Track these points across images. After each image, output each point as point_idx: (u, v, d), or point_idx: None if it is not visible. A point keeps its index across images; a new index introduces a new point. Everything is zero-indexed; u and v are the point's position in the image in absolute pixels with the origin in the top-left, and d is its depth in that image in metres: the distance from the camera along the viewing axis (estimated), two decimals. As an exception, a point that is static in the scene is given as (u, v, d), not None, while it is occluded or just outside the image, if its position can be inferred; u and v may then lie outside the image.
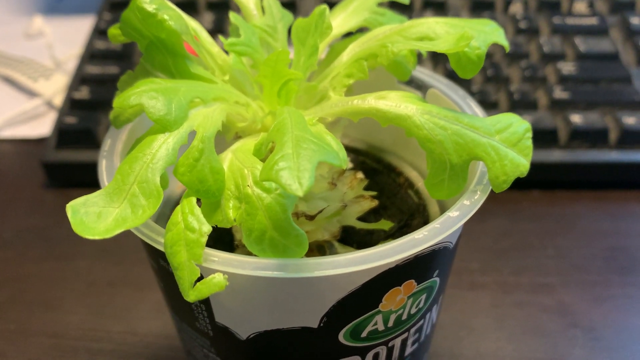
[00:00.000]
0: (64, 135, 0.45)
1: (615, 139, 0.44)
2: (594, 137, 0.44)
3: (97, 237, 0.17)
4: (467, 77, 0.21)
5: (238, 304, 0.21)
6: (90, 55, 0.51)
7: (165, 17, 0.20)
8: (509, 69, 0.48)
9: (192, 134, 0.20)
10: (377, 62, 0.22)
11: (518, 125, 0.21)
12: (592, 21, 0.52)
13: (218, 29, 0.52)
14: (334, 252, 0.26)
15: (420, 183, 0.29)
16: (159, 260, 0.22)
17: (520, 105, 0.46)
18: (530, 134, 0.21)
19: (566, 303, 0.38)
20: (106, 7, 0.56)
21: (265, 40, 0.24)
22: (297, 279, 0.19)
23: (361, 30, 0.25)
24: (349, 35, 0.26)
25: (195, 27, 0.23)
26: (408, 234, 0.20)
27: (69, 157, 0.45)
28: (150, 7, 0.20)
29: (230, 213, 0.19)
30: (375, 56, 0.22)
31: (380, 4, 0.25)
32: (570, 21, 0.52)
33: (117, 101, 0.19)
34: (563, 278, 0.39)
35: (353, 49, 0.23)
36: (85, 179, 0.45)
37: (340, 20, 0.25)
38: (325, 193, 0.25)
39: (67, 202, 0.45)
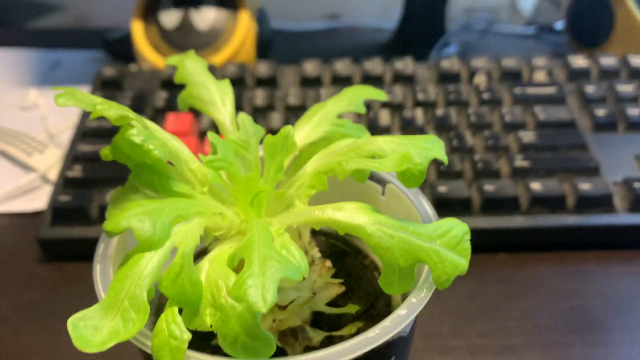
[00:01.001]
0: (58, 212, 0.48)
1: (572, 204, 0.48)
2: (553, 203, 0.48)
3: (94, 351, 0.20)
4: (411, 187, 0.25)
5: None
6: (83, 133, 0.54)
7: (151, 147, 0.23)
8: (473, 139, 0.52)
9: (174, 251, 0.23)
10: (334, 174, 0.26)
11: (457, 230, 0.24)
12: (551, 90, 0.57)
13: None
14: (305, 335, 0.29)
15: (384, 266, 0.33)
16: (148, 356, 0.25)
17: (483, 174, 0.49)
18: (468, 237, 0.25)
19: (529, 364, 0.40)
20: (98, 86, 0.59)
21: (239, 153, 0.27)
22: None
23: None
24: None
25: (178, 147, 0.26)
26: (361, 334, 0.23)
27: (63, 234, 0.48)
28: (137, 139, 0.23)
29: (207, 319, 0.22)
30: (333, 171, 0.25)
31: (339, 116, 0.29)
32: (531, 91, 0.56)
33: (110, 225, 0.22)
34: (527, 339, 0.42)
35: (316, 160, 0.27)
36: (78, 253, 0.48)
37: (305, 132, 0.28)
38: (296, 284, 0.28)
39: (62, 276, 0.47)
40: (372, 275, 0.33)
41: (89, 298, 0.45)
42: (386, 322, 0.23)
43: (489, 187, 0.48)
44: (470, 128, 0.53)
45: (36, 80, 0.73)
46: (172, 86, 0.59)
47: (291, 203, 0.27)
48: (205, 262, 0.23)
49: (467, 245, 0.24)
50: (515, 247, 0.49)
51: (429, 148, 0.25)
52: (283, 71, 0.60)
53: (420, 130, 0.53)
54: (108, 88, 0.59)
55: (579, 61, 0.59)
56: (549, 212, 0.48)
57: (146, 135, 0.24)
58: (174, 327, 0.21)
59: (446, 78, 0.58)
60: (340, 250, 0.34)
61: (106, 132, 0.54)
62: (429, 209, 0.28)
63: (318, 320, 0.30)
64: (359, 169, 0.25)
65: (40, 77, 0.74)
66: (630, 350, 0.41)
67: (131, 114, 0.24)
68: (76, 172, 0.50)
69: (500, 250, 0.49)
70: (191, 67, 0.29)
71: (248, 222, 0.24)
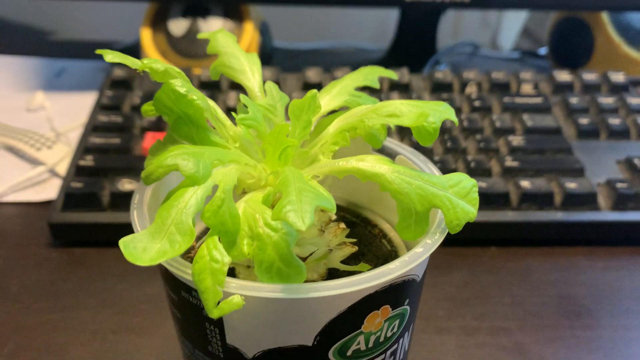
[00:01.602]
0: (69, 198, 0.50)
1: (559, 201, 0.51)
2: (542, 200, 0.51)
3: (144, 264, 0.22)
4: (426, 145, 0.27)
5: (248, 326, 0.25)
6: (94, 127, 0.57)
7: (194, 97, 0.26)
8: (466, 141, 0.55)
9: (215, 188, 0.25)
10: (356, 133, 0.28)
11: (466, 182, 0.27)
12: (537, 100, 0.60)
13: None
14: (321, 290, 0.31)
15: (392, 233, 0.35)
16: (180, 292, 0.27)
17: (476, 172, 0.52)
18: (476, 189, 0.27)
19: (522, 343, 0.43)
20: (107, 85, 0.62)
21: (267, 116, 0.30)
22: (297, 300, 0.24)
23: (342, 109, 0.32)
24: (332, 113, 0.32)
25: (213, 106, 0.29)
26: (382, 266, 0.25)
27: (74, 219, 0.49)
28: (182, 90, 0.26)
29: (245, 248, 0.24)
30: (355, 128, 0.28)
31: (357, 88, 0.32)
32: (519, 100, 0.60)
33: (157, 161, 0.25)
34: (519, 322, 0.45)
35: (337, 123, 0.29)
36: (88, 239, 0.50)
37: (326, 101, 0.31)
38: (315, 239, 0.30)
39: (71, 260, 0.49)
40: (380, 242, 0.35)
41: (99, 280, 0.47)
42: (405, 257, 0.25)
43: (481, 184, 0.51)
44: (463, 132, 0.57)
45: (41, 86, 0.75)
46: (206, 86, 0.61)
47: (315, 159, 0.29)
48: (241, 202, 0.26)
49: (476, 196, 0.27)
50: (506, 242, 0.52)
51: (441, 111, 0.28)
52: (285, 77, 0.63)
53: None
54: (118, 88, 0.62)
55: (563, 76, 0.64)
56: (538, 208, 0.51)
57: (189, 87, 0.26)
58: (215, 252, 0.23)
59: (439, 88, 0.62)
60: (350, 222, 0.36)
61: (116, 126, 0.56)
62: (438, 174, 0.31)
63: (332, 277, 0.32)
64: (379, 126, 0.28)
65: (45, 83, 0.76)
66: (615, 333, 0.44)
67: (174, 70, 0.27)
68: (88, 161, 0.52)
69: (491, 244, 0.52)
70: (222, 40, 0.32)
71: (279, 171, 0.26)
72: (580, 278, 0.49)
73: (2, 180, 0.58)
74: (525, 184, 0.51)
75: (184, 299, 0.27)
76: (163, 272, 0.28)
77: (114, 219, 0.49)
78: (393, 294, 0.26)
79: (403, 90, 0.62)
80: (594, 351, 0.42)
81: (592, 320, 0.45)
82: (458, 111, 0.59)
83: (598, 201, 0.51)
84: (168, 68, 0.27)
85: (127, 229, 0.49)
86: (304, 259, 0.30)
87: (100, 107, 0.59)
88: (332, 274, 0.32)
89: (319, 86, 0.61)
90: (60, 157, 0.60)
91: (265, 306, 0.25)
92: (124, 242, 0.23)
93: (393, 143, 0.34)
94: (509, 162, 0.53)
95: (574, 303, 0.46)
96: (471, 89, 0.62)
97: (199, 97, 0.26)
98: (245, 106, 0.29)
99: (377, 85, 0.33)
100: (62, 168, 0.58)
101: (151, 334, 0.43)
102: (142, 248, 0.23)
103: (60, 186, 0.52)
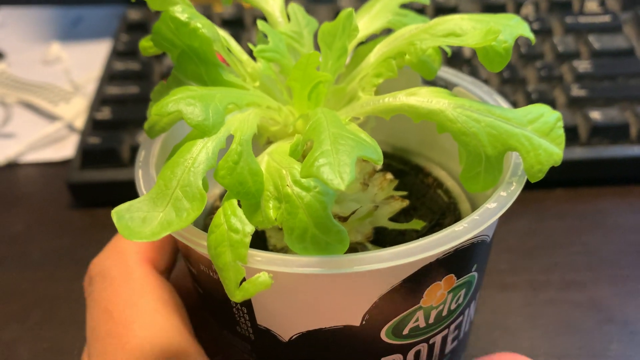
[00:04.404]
0: (87, 155, 0.46)
1: (636, 133, 0.44)
2: (615, 132, 0.44)
3: (144, 240, 0.18)
4: (495, 70, 0.22)
5: (280, 305, 0.21)
6: (110, 76, 0.52)
7: (198, 25, 0.21)
8: (525, 70, 0.49)
9: (229, 139, 0.20)
10: (404, 61, 0.23)
11: (549, 116, 0.21)
12: (605, 19, 0.53)
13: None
14: (367, 253, 0.26)
15: (449, 182, 0.30)
16: (199, 266, 0.22)
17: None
18: (561, 124, 0.21)
19: (598, 298, 0.37)
20: (123, 29, 0.57)
21: (291, 46, 0.24)
22: (339, 275, 0.19)
23: (384, 32, 0.26)
24: (372, 38, 0.26)
25: (224, 36, 0.23)
26: (448, 227, 0.20)
27: (94, 177, 0.45)
28: (183, 16, 0.21)
29: (271, 213, 0.19)
30: (403, 54, 0.22)
31: (401, 6, 0.26)
32: (583, 20, 0.53)
33: (156, 109, 0.20)
34: (593, 274, 0.39)
35: (380, 49, 0.24)
36: (110, 198, 0.46)
37: (364, 23, 0.25)
38: (357, 194, 0.25)
39: (94, 222, 0.45)
40: (435, 194, 0.30)
41: (123, 242, 0.43)
42: (474, 216, 0.20)
43: (545, 117, 0.44)
44: (521, 59, 0.50)
45: (58, 36, 0.71)
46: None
47: (354, 97, 0.24)
48: (264, 155, 0.21)
49: (561, 132, 0.21)
50: (574, 182, 0.45)
51: (513, 26, 0.22)
52: (315, 8, 0.57)
53: (467, 62, 0.49)
54: (134, 32, 0.56)
55: (634, -12, 0.55)
56: (610, 142, 0.44)
57: (192, 13, 0.21)
58: (234, 219, 0.19)
59: (491, 9, 0.55)
60: (398, 170, 0.31)
61: (134, 74, 0.52)
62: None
63: (379, 238, 0.27)
64: (431, 52, 0.22)
65: (61, 33, 0.72)
66: None
67: (174, -6, 0.21)
68: (105, 113, 0.48)
69: (557, 186, 0.46)
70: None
71: (310, 113, 0.21)
72: (662, 220, 0.43)
73: (19, 138, 0.54)
74: (595, 115, 0.44)
75: (203, 274, 0.22)
76: (177, 241, 0.23)
77: (136, 175, 0.45)
78: (458, 260, 0.21)
79: (450, 13, 0.55)
80: (684, 305, 0.37)
81: (680, 269, 0.39)
82: (513, 36, 0.52)
83: (682, 131, 0.44)
84: (165, -8, 0.21)
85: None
86: (344, 219, 0.24)
87: (116, 54, 0.54)
88: (380, 233, 0.27)
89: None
90: (78, 110, 0.55)
91: (300, 284, 0.20)
92: (117, 213, 0.18)
93: (448, 72, 0.28)
94: (576, 91, 0.46)
95: (657, 250, 0.40)
96: (527, 10, 0.55)
97: (204, 25, 0.21)
98: (265, 35, 0.23)
99: (426, 1, 0.26)
100: (82, 123, 0.54)
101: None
102: (140, 219, 0.18)
103: (77, 142, 0.48)
